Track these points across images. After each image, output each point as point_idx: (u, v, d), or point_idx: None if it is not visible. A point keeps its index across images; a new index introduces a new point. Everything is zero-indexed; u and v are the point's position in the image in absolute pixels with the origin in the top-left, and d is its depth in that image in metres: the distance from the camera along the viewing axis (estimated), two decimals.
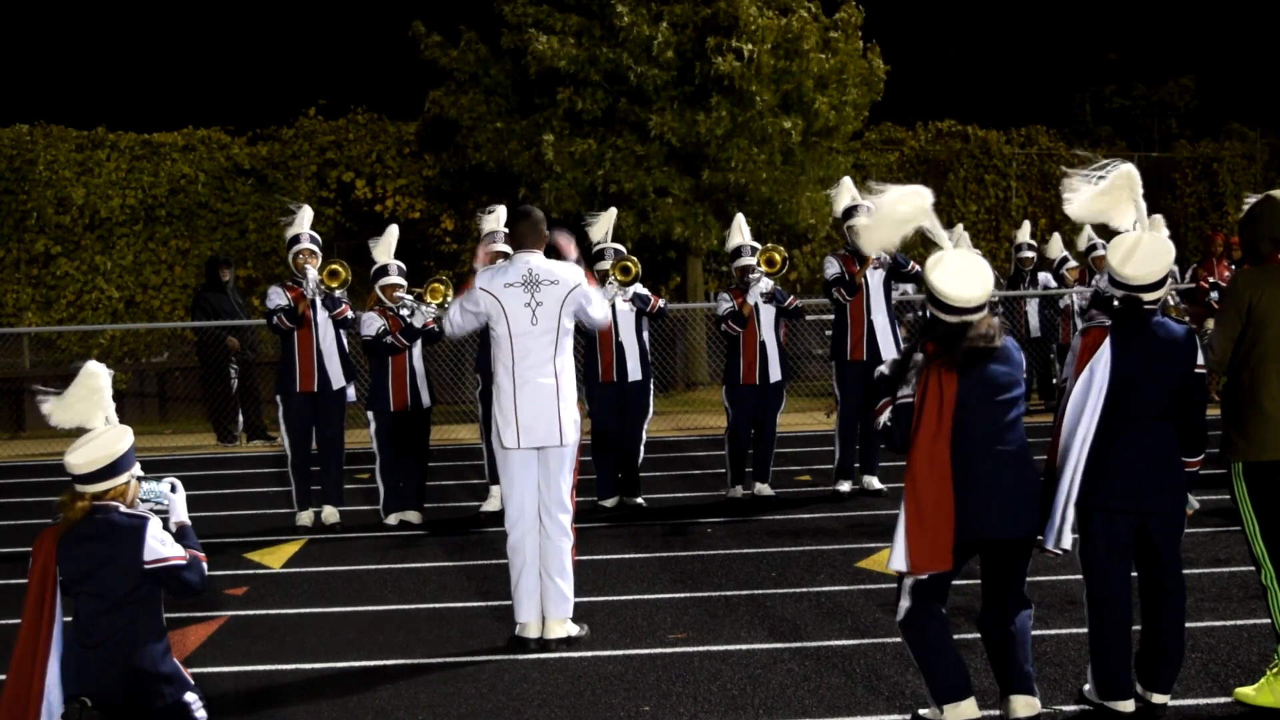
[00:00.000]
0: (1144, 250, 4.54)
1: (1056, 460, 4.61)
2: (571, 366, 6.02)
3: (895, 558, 4.46)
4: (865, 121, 16.88)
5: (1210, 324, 5.04)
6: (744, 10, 14.61)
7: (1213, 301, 11.54)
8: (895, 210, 4.66)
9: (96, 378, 4.24)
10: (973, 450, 4.42)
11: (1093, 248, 12.12)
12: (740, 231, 9.36)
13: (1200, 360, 4.68)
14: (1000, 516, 4.44)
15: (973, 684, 4.58)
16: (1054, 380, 13.79)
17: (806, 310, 12.99)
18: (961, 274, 4.42)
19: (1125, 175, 4.69)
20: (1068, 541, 4.54)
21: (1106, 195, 4.71)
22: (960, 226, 14.31)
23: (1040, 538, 4.62)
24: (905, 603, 4.56)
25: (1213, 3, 24.39)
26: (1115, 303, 4.59)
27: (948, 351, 4.38)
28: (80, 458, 4.11)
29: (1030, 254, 14.04)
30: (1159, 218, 8.01)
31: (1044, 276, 13.97)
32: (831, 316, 9.57)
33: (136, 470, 4.24)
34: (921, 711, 4.76)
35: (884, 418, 4.58)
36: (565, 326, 5.93)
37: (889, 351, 8.73)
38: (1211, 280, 12.41)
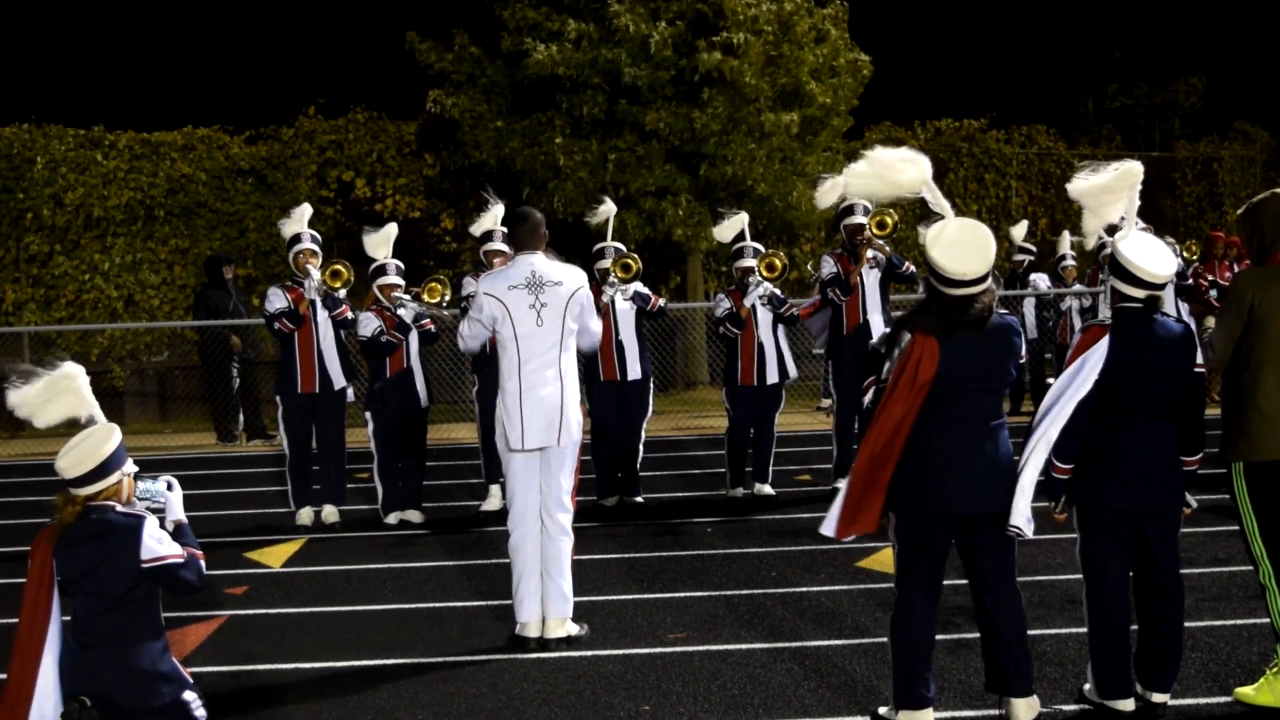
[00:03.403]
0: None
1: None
2: (575, 367, 6.03)
3: (827, 522, 4.50)
4: (859, 118, 16.89)
5: (1210, 322, 5.02)
6: (729, 1, 14.66)
7: (1213, 300, 11.53)
8: (896, 171, 4.55)
9: (73, 379, 4.21)
10: (946, 425, 4.40)
11: (1102, 246, 12.05)
12: (742, 230, 9.35)
13: (1200, 359, 4.68)
14: (971, 492, 4.42)
15: (934, 698, 4.58)
16: (1047, 381, 13.78)
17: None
18: (960, 247, 4.36)
19: (1128, 174, 4.68)
20: (1021, 519, 4.43)
21: (1106, 190, 4.70)
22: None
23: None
24: (897, 594, 4.57)
25: (1215, 2, 24.37)
26: (1126, 302, 4.58)
27: (937, 323, 4.35)
28: (68, 462, 4.10)
29: (1023, 256, 13.99)
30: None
31: (1037, 277, 13.95)
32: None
33: (128, 468, 4.22)
34: (880, 710, 4.77)
35: (868, 398, 4.58)
36: (569, 327, 5.93)
37: None
38: (1211, 279, 12.40)
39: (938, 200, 4.54)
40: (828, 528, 4.51)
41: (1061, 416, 4.49)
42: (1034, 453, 4.50)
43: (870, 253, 8.92)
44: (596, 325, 6.16)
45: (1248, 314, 4.87)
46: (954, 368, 4.35)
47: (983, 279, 4.38)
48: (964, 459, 4.41)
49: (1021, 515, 4.45)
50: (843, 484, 9.36)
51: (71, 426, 4.24)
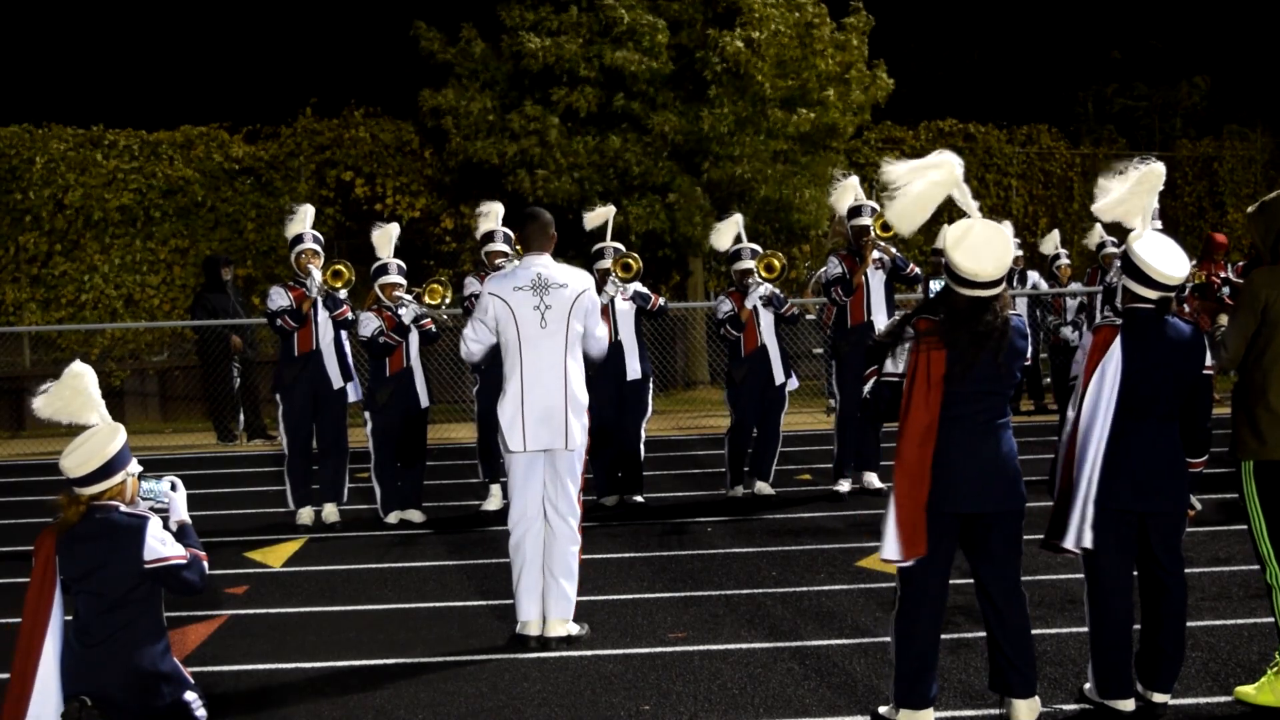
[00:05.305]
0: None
1: (1074, 459, 4.57)
2: (581, 370, 5.98)
3: (887, 548, 4.41)
4: (864, 123, 16.92)
5: (1222, 320, 4.99)
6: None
7: (1225, 298, 11.50)
8: (925, 178, 4.43)
9: (81, 378, 4.24)
10: (950, 423, 4.39)
11: (1102, 245, 12.08)
12: (738, 233, 9.35)
13: (1209, 361, 4.68)
14: (976, 491, 4.42)
15: (936, 697, 4.59)
16: (1043, 381, 13.78)
17: (806, 311, 13.01)
18: (978, 248, 4.33)
19: (1145, 178, 4.66)
20: (1088, 539, 4.52)
21: (1121, 201, 4.69)
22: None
23: (1044, 538, 4.62)
24: (900, 592, 4.57)
25: (1216, 2, 24.34)
26: (1140, 302, 4.58)
27: (946, 325, 4.35)
28: (73, 461, 4.11)
29: (1017, 252, 13.97)
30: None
31: (1033, 275, 13.95)
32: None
33: (132, 468, 4.23)
34: (880, 709, 4.77)
35: (867, 388, 4.58)
36: (574, 330, 5.91)
37: None
38: (1224, 276, 12.38)
39: (965, 200, 4.49)
40: (889, 553, 4.40)
41: (1105, 438, 4.49)
42: (1091, 480, 4.51)
43: (876, 254, 8.92)
44: (602, 331, 6.12)
45: (1261, 313, 4.86)
46: (957, 361, 4.35)
47: (997, 282, 4.36)
48: (967, 458, 4.41)
49: (1088, 538, 4.50)
50: (844, 486, 9.40)
51: (76, 426, 4.26)
